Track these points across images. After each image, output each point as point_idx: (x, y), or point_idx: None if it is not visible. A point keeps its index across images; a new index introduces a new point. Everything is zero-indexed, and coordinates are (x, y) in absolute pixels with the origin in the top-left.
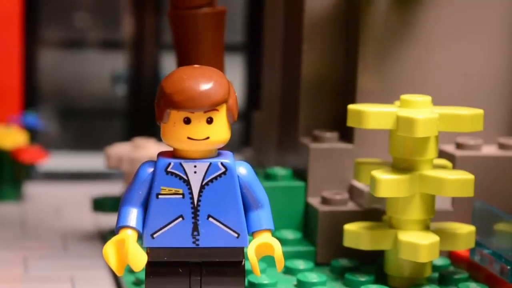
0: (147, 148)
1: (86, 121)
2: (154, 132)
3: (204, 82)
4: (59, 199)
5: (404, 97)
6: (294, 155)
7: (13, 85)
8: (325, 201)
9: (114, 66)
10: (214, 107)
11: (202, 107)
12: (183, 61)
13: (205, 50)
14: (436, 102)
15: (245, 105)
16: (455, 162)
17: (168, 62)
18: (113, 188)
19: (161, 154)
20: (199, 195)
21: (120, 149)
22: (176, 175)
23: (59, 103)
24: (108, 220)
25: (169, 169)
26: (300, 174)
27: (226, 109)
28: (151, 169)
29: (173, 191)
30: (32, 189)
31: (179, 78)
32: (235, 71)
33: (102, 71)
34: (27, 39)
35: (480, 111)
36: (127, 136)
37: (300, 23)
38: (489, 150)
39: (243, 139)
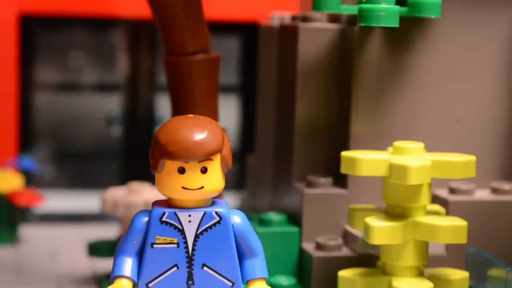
0: (142, 193)
1: (81, 162)
2: (149, 173)
3: (198, 132)
4: (54, 242)
5: (397, 144)
6: (288, 199)
7: (8, 128)
8: (319, 246)
9: (109, 107)
10: (208, 156)
11: (197, 157)
12: (177, 106)
13: (199, 95)
14: (428, 147)
15: (239, 147)
16: (448, 207)
17: (163, 104)
18: (109, 231)
19: (155, 203)
20: (194, 244)
21: (115, 194)
22: (171, 225)
23: (54, 145)
24: (103, 264)
25: (163, 219)
26: (294, 218)
27: (220, 158)
28: (146, 219)
29: (168, 241)
30: (28, 232)
31: (173, 128)
32: (229, 112)
33: (97, 112)
34: (22, 82)
35: (472, 158)
36: (123, 177)
37: (293, 69)
38: (482, 194)
39: (237, 181)
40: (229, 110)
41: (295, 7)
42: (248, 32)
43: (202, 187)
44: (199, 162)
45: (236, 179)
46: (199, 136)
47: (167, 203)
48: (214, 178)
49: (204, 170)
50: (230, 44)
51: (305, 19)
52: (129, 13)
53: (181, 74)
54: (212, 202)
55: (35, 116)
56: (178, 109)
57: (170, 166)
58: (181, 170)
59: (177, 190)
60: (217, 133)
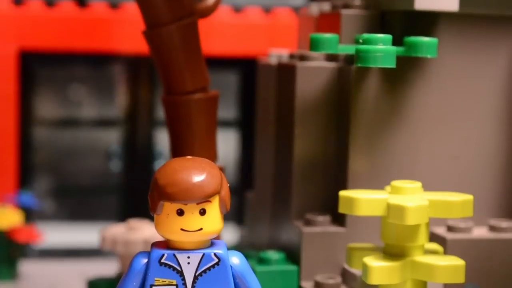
0: (141, 230)
1: (81, 197)
2: (148, 208)
3: (197, 174)
4: (54, 278)
5: (395, 183)
6: (287, 237)
7: (8, 164)
8: (318, 285)
9: (108, 142)
10: (207, 198)
11: (195, 199)
12: (176, 144)
13: (198, 133)
14: (426, 184)
15: (238, 183)
16: (446, 246)
17: (162, 138)
18: (108, 268)
19: (154, 245)
20: (193, 286)
21: (114, 231)
22: (170, 266)
23: (54, 180)
24: None
25: (162, 260)
26: (293, 256)
27: (219, 200)
28: (145, 260)
29: (167, 282)
30: (27, 268)
31: (172, 170)
32: (228, 147)
33: (97, 147)
34: (22, 117)
35: (470, 197)
36: (122, 211)
37: (291, 107)
38: (480, 232)
39: (236, 217)
40: (228, 145)
41: (293, 43)
42: (247, 67)
43: (201, 229)
44: (197, 204)
45: (235, 215)
46: (198, 178)
47: (166, 244)
48: (212, 219)
49: (202, 212)
50: (229, 79)
51: (302, 57)
52: (128, 48)
53: (180, 113)
54: (211, 243)
55: (34, 151)
56: (177, 147)
57: (169, 208)
58: (180, 212)
59: (176, 232)
60: (215, 175)
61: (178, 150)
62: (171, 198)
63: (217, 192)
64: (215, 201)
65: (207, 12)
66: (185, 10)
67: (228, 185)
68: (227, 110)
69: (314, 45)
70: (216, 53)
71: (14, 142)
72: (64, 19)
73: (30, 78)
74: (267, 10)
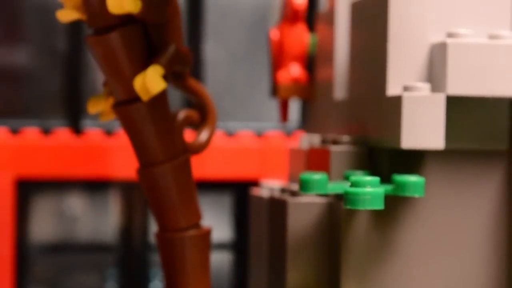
0: None
1: None
2: None
3: None
4: None
5: None
6: None
7: None
8: None
9: (104, 266)
10: None
11: None
12: (170, 280)
13: (192, 269)
14: None
15: None
16: None
17: (156, 262)
18: None
19: None
20: None
21: None
22: None
23: None
24: None
25: None
26: None
27: None
28: None
29: None
30: None
31: None
32: (222, 271)
33: (92, 271)
34: (19, 245)
35: None
36: None
37: (283, 241)
38: None
39: None
40: (222, 269)
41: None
42: (240, 190)
43: None
44: None
45: None
46: None
47: None
48: None
49: None
50: (223, 201)
51: (293, 193)
52: (123, 174)
53: (174, 249)
54: None
55: (31, 276)
56: (171, 282)
57: None
58: None
59: None
60: None
61: (172, 285)
62: None
63: None
64: None
65: (200, 149)
66: (179, 148)
67: None
68: (221, 232)
69: (304, 186)
70: (209, 177)
71: (10, 271)
72: (60, 147)
73: (26, 206)
74: (259, 134)
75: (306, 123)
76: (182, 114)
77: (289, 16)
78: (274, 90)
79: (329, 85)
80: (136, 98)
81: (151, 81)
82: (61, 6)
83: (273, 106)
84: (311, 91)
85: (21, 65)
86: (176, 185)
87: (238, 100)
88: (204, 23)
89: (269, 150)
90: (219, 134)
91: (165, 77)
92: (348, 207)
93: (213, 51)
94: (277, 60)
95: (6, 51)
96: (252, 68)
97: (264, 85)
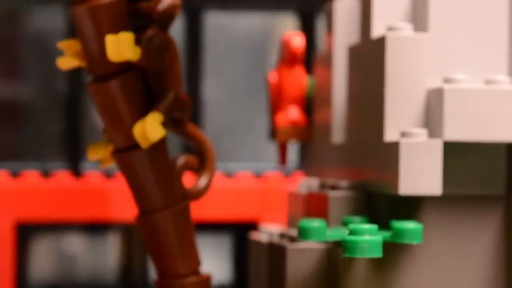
0: None
1: None
2: None
3: None
4: None
5: None
6: None
7: None
8: None
9: None
10: None
11: None
12: None
13: None
14: None
15: None
16: None
17: None
18: None
19: None
20: None
21: None
22: None
23: None
24: None
25: None
26: None
27: None
28: None
29: None
30: None
31: None
32: None
33: None
34: (19, 285)
35: None
36: None
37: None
38: None
39: None
40: None
41: (284, 207)
42: (240, 231)
43: None
44: None
45: None
46: None
47: None
48: None
49: None
50: (223, 242)
51: (292, 238)
52: (123, 217)
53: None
54: None
55: None
56: None
57: None
58: None
59: None
60: None
61: None
62: None
63: None
64: None
65: (199, 194)
66: (178, 195)
67: None
68: (221, 273)
69: (302, 234)
70: (208, 218)
71: None
72: (60, 190)
73: (26, 248)
74: (258, 174)
75: (305, 166)
76: (181, 160)
77: (287, 59)
78: (273, 133)
79: (327, 128)
80: (135, 145)
81: (150, 128)
82: (61, 51)
83: (271, 146)
84: (310, 134)
85: (21, 108)
86: (175, 232)
87: (237, 141)
88: (202, 63)
89: (268, 191)
90: (217, 174)
91: (164, 124)
92: (347, 255)
93: (211, 91)
94: (276, 103)
95: (6, 93)
96: (251, 108)
97: (263, 125)
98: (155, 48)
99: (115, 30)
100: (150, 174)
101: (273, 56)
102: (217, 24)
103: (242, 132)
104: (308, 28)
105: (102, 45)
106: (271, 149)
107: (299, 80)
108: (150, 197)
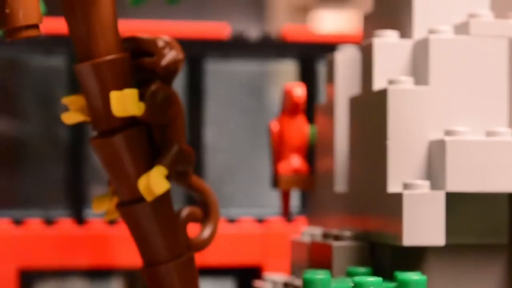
0: None
1: None
2: None
3: None
4: None
5: None
6: None
7: None
8: None
9: None
10: None
11: None
12: None
13: None
14: None
15: None
16: None
17: None
18: None
19: None
20: None
21: None
22: None
23: None
24: None
25: None
26: None
27: None
28: None
29: None
30: None
31: None
32: None
33: None
34: None
35: None
36: None
37: None
38: None
39: None
40: None
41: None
42: (243, 276)
43: None
44: None
45: None
46: None
47: None
48: None
49: None
50: (225, 287)
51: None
52: (126, 263)
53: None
54: None
55: None
56: None
57: None
58: None
59: None
60: None
61: None
62: None
63: None
64: None
65: (204, 245)
66: (182, 246)
67: None
68: None
69: (307, 286)
70: (211, 263)
71: None
72: (63, 237)
73: None
74: (260, 220)
75: (308, 214)
76: (185, 211)
77: (289, 109)
78: (275, 181)
79: (329, 177)
80: (140, 199)
81: (155, 182)
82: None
83: (273, 191)
84: (312, 182)
85: (23, 155)
86: (181, 283)
87: (239, 186)
88: (204, 110)
89: (270, 236)
90: (220, 220)
91: (169, 176)
92: None
93: (213, 137)
94: (278, 152)
95: (9, 141)
96: (253, 154)
97: (264, 170)
98: (159, 103)
99: (119, 86)
100: (155, 226)
101: (274, 99)
102: (218, 70)
103: (243, 177)
104: (308, 76)
105: (106, 101)
106: (273, 194)
107: (300, 129)
108: (154, 249)
